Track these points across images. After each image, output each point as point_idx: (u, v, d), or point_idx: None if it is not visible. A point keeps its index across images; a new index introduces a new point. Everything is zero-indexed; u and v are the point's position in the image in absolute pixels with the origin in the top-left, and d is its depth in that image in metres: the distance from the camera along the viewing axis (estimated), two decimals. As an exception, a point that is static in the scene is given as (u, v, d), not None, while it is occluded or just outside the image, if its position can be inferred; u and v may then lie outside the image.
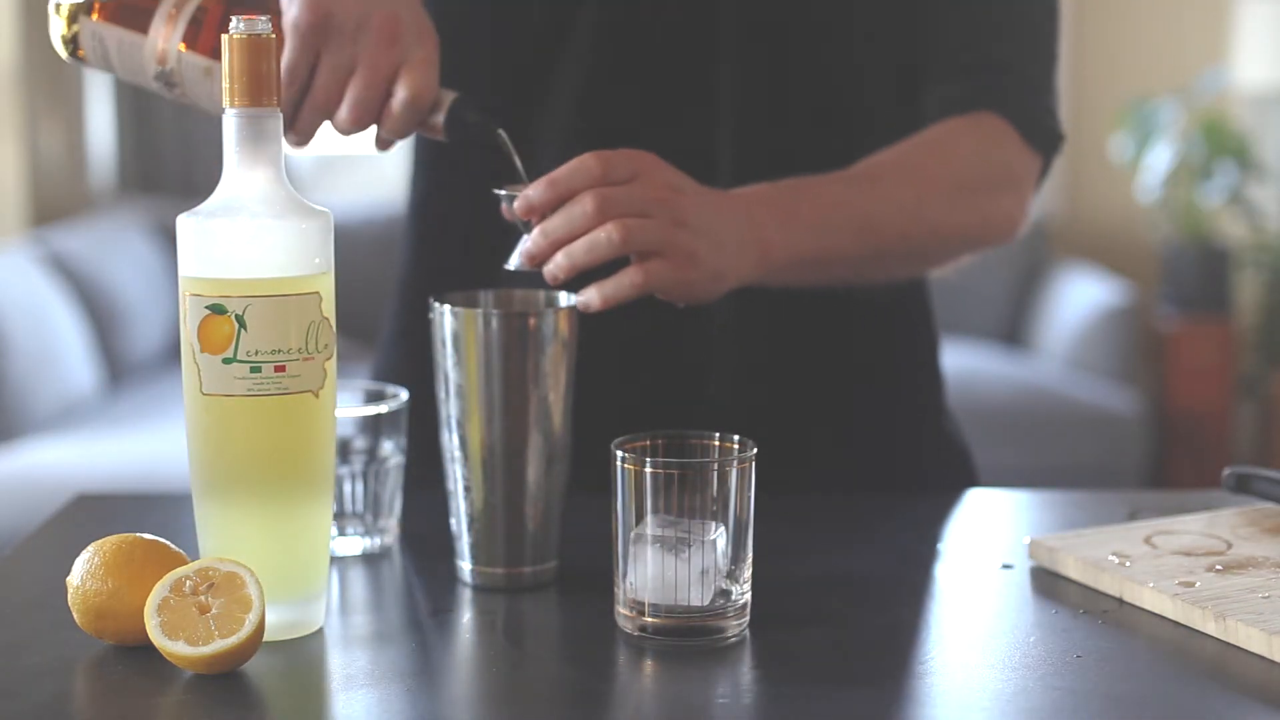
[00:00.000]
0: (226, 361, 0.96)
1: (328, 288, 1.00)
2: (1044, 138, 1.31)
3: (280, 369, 0.97)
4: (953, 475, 1.41)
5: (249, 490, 0.98)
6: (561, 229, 1.07)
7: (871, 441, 1.38)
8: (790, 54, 1.30)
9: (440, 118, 1.14)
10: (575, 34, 1.30)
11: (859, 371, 1.37)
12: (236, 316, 0.96)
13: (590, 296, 1.08)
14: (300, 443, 0.99)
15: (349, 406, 1.18)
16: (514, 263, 1.10)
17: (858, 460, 1.36)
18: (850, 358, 1.37)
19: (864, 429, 1.38)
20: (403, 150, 1.49)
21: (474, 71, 1.32)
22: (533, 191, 1.08)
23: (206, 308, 0.96)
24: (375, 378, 1.38)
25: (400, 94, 1.12)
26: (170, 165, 4.58)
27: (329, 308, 1.00)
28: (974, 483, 1.42)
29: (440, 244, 1.40)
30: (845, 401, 1.37)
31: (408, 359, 1.36)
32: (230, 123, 0.98)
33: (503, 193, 1.11)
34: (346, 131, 1.15)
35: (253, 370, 0.96)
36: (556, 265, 1.08)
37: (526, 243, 1.09)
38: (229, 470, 0.98)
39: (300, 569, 0.99)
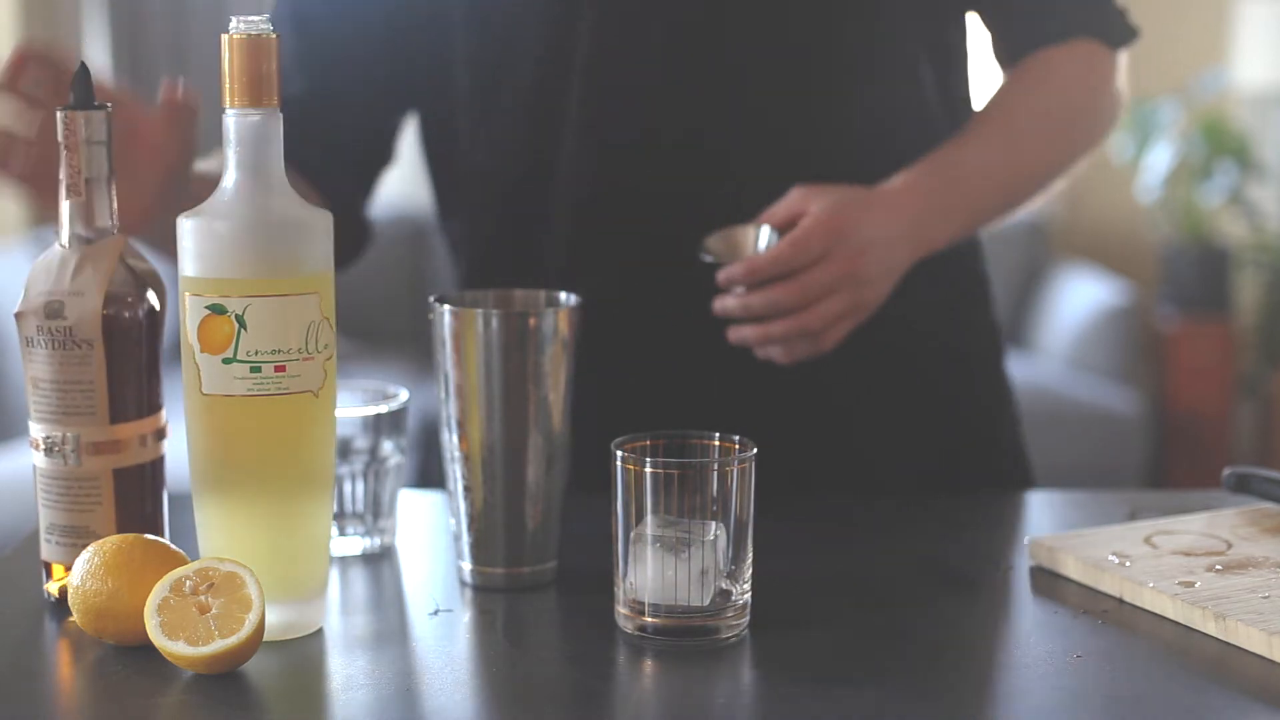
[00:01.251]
0: (226, 361, 0.96)
1: (328, 288, 1.00)
2: (1124, 35, 1.39)
3: (280, 369, 0.97)
4: (1005, 477, 1.43)
5: (249, 490, 0.98)
6: (763, 311, 1.20)
7: (866, 443, 1.38)
8: (801, 38, 1.30)
9: None
10: (581, 22, 1.30)
11: (861, 372, 1.37)
12: (236, 316, 0.96)
13: (777, 356, 1.23)
14: (300, 442, 0.99)
15: (349, 406, 1.18)
16: (715, 307, 1.22)
17: (829, 461, 1.36)
18: (860, 354, 1.37)
19: (867, 430, 1.38)
20: (404, 155, 1.49)
21: (495, 49, 1.32)
22: (736, 273, 1.19)
23: (206, 308, 0.96)
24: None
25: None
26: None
27: (329, 308, 1.00)
28: (1029, 484, 1.44)
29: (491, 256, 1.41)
30: (851, 406, 1.37)
31: None
32: (229, 123, 0.98)
33: (708, 259, 1.22)
34: (750, 341, 1.24)
35: (253, 370, 0.96)
36: (753, 338, 1.22)
37: (730, 301, 1.21)
38: (229, 470, 0.98)
39: (300, 569, 1.00)
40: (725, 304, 1.21)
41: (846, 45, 1.31)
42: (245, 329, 0.96)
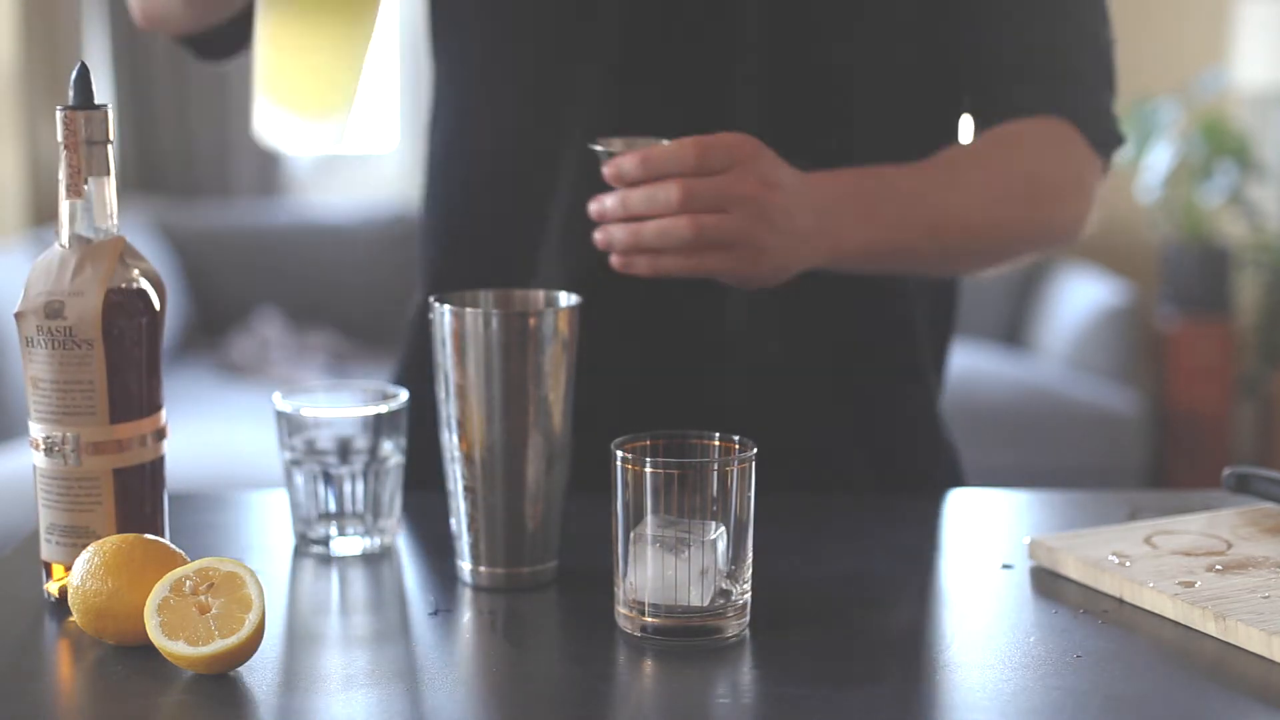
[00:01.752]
0: None
1: None
2: (1107, 141, 1.33)
3: None
4: (944, 474, 1.41)
5: None
6: (640, 207, 1.09)
7: (874, 442, 1.37)
8: (816, 51, 1.30)
9: None
10: (600, 21, 1.30)
11: (867, 373, 1.37)
12: None
13: (637, 262, 1.10)
14: None
15: (349, 406, 1.18)
16: (592, 207, 1.12)
17: (859, 461, 1.36)
18: (860, 359, 1.36)
19: (869, 430, 1.37)
20: (404, 154, 1.49)
21: (505, 39, 1.32)
22: (626, 163, 1.09)
23: None
24: (397, 379, 1.38)
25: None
26: (170, 165, 4.58)
27: None
28: (962, 483, 1.42)
29: (466, 251, 1.39)
30: (850, 402, 1.37)
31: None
32: None
33: (599, 148, 1.13)
34: (622, 244, 1.13)
35: None
36: (622, 240, 1.10)
37: (608, 199, 1.11)
38: None
39: (322, 84, 1.02)
40: (603, 202, 1.11)
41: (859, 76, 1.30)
42: None
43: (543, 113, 1.33)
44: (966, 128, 1.36)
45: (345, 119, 1.06)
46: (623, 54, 1.30)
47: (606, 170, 1.11)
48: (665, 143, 1.10)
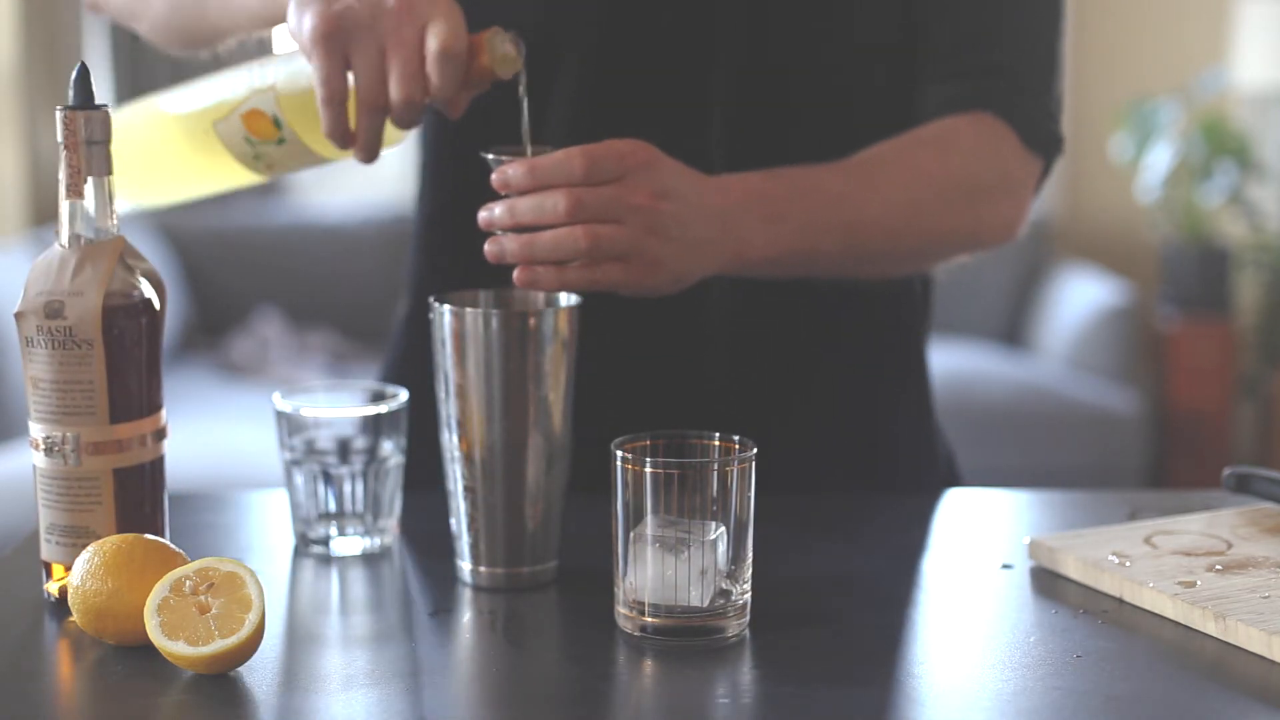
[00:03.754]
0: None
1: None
2: (1044, 142, 1.29)
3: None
4: (939, 474, 1.41)
5: None
6: (528, 216, 1.06)
7: (863, 438, 1.37)
8: (785, 57, 1.30)
9: (485, 58, 1.09)
10: (573, 38, 1.30)
11: (857, 369, 1.37)
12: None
13: (542, 277, 1.06)
14: None
15: (349, 406, 1.18)
16: (480, 215, 1.08)
17: (848, 457, 1.36)
18: (848, 355, 1.37)
19: (862, 426, 1.38)
20: (404, 153, 1.49)
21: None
22: (512, 171, 1.07)
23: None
24: (384, 379, 1.38)
25: (431, 46, 1.06)
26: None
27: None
28: (958, 482, 1.42)
29: (453, 256, 1.39)
30: (847, 398, 1.37)
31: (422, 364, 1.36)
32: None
33: (490, 156, 1.10)
34: (405, 118, 1.10)
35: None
36: (514, 252, 1.06)
37: (496, 207, 1.07)
38: None
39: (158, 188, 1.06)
40: (491, 210, 1.07)
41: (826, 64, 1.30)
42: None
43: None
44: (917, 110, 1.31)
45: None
46: (600, 51, 1.30)
47: (494, 178, 1.07)
48: (555, 151, 1.08)
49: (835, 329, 1.36)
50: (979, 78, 1.28)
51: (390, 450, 1.17)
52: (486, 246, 1.07)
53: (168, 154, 1.20)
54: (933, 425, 1.44)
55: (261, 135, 1.14)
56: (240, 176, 1.18)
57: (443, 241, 1.38)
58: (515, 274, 1.07)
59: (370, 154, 1.14)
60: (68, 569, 1.01)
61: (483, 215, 1.08)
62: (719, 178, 1.15)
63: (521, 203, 1.06)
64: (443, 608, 1.06)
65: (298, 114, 1.13)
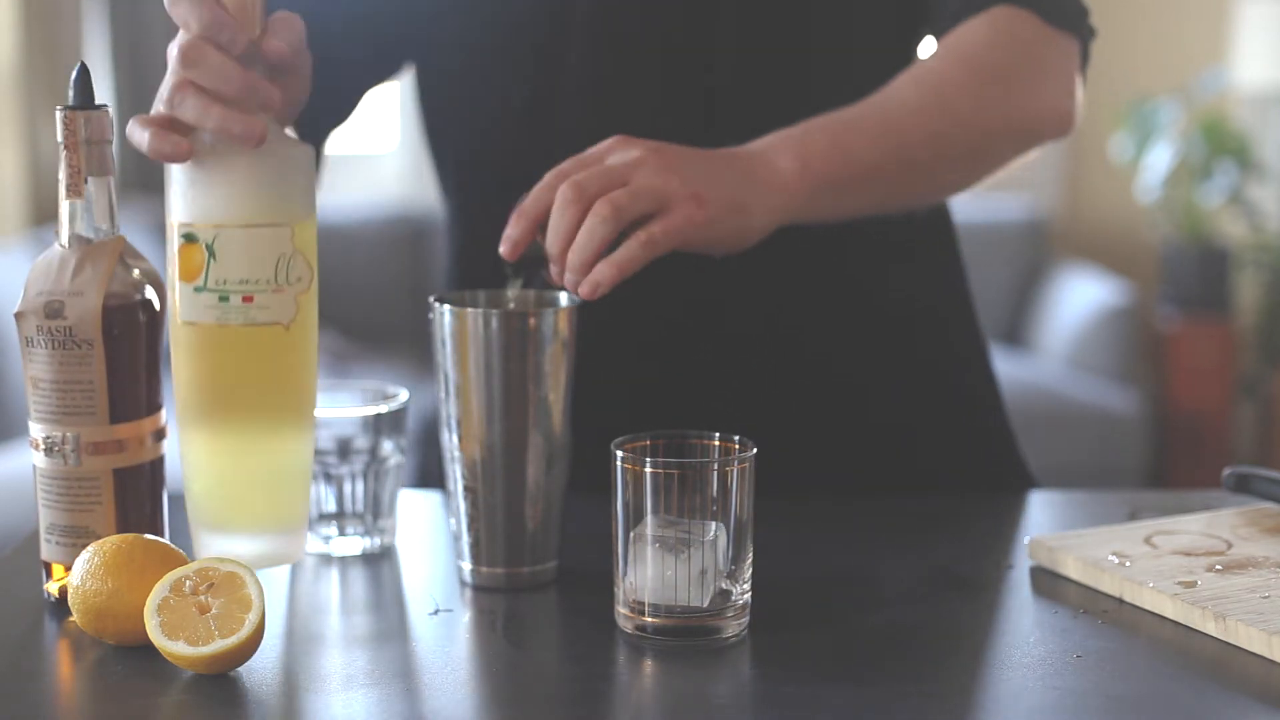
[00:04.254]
0: (198, 290, 1.00)
1: (304, 222, 1.00)
2: (1068, 17, 1.26)
3: (248, 299, 0.99)
4: (995, 470, 1.41)
5: (221, 420, 1.00)
6: (534, 209, 1.05)
7: (863, 441, 1.37)
8: (788, 56, 1.30)
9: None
10: (575, 29, 1.30)
11: (875, 375, 1.37)
12: (207, 245, 0.98)
13: (599, 274, 1.03)
14: (272, 374, 1.00)
15: (349, 406, 1.18)
16: (502, 249, 1.08)
17: (848, 458, 1.36)
18: (853, 357, 1.36)
19: (867, 429, 1.38)
20: (404, 154, 1.49)
21: (480, 70, 1.32)
22: (511, 229, 1.06)
23: (181, 235, 0.99)
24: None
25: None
26: (170, 165, 4.57)
27: (306, 242, 1.00)
28: (1023, 476, 1.42)
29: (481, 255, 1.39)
30: (849, 400, 1.37)
31: None
32: None
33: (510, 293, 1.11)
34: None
35: (221, 299, 0.99)
36: (571, 273, 1.04)
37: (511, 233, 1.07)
38: (203, 399, 1.00)
39: (276, 500, 1.01)
40: (511, 240, 1.06)
41: (827, 35, 1.30)
42: (214, 258, 0.98)
43: (535, 112, 1.33)
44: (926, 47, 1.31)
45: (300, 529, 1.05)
46: (606, 41, 1.30)
47: (501, 250, 1.07)
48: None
49: (839, 331, 1.36)
50: None
51: (390, 450, 1.17)
52: (548, 278, 1.06)
53: None
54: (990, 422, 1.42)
55: None
56: None
57: (470, 240, 1.39)
58: (580, 291, 1.04)
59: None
60: (68, 569, 1.01)
61: (504, 249, 1.07)
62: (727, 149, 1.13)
63: (526, 203, 1.06)
64: (443, 608, 1.06)
65: None
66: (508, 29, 1.32)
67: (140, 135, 1.01)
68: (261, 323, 0.99)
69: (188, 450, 1.01)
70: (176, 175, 1.00)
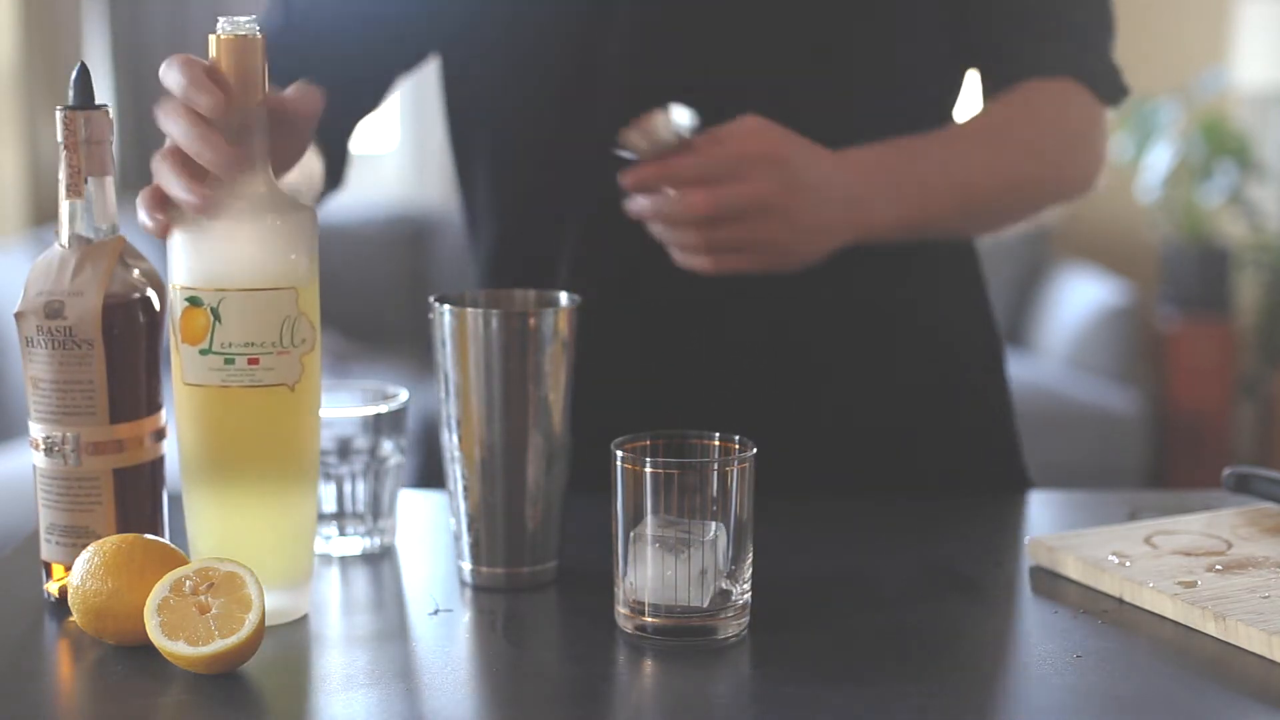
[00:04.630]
0: (203, 353, 0.99)
1: (307, 284, 1.00)
2: (1113, 94, 1.36)
3: (254, 361, 0.98)
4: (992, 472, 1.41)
5: (229, 480, 1.00)
6: (676, 215, 1.13)
7: (861, 443, 1.37)
8: (839, 46, 1.31)
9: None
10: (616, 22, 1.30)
11: (879, 379, 1.37)
12: (212, 309, 0.98)
13: (701, 263, 1.15)
14: (277, 435, 1.00)
15: (349, 406, 1.18)
16: (632, 209, 1.15)
17: (846, 460, 1.36)
18: (853, 360, 1.36)
19: (864, 431, 1.38)
20: (403, 155, 1.49)
21: (521, 39, 1.33)
22: (651, 172, 1.12)
23: (186, 299, 0.98)
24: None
25: None
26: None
27: (309, 304, 1.00)
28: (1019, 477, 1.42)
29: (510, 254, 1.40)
30: (849, 401, 1.37)
31: None
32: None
33: (627, 154, 1.14)
34: None
35: (226, 362, 0.98)
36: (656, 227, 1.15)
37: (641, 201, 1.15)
38: (208, 460, 1.00)
39: (282, 558, 1.01)
40: (638, 206, 1.15)
41: (869, 46, 1.32)
42: (220, 321, 0.97)
43: (575, 100, 1.33)
44: (974, 87, 1.39)
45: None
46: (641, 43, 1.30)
47: (629, 180, 1.14)
48: (682, 128, 1.13)
49: (839, 333, 1.35)
50: (1052, 41, 1.34)
51: (390, 450, 1.17)
52: (634, 205, 1.15)
53: None
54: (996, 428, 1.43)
55: None
56: None
57: (500, 239, 1.39)
58: (685, 259, 1.16)
59: None
60: (68, 569, 1.01)
61: (632, 209, 1.16)
62: (840, 155, 1.20)
63: (670, 207, 1.14)
64: (443, 608, 1.06)
65: None
66: (550, 13, 1.32)
67: (139, 209, 1.02)
68: (267, 384, 0.99)
69: (193, 509, 1.01)
70: (179, 238, 0.99)
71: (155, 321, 1.03)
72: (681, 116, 1.13)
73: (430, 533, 1.23)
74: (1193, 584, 1.03)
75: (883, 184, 1.23)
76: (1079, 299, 4.35)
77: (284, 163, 1.11)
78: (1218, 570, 1.05)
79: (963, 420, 1.40)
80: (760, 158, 1.14)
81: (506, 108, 1.36)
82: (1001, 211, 1.35)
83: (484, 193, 1.40)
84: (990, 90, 1.35)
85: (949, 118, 1.37)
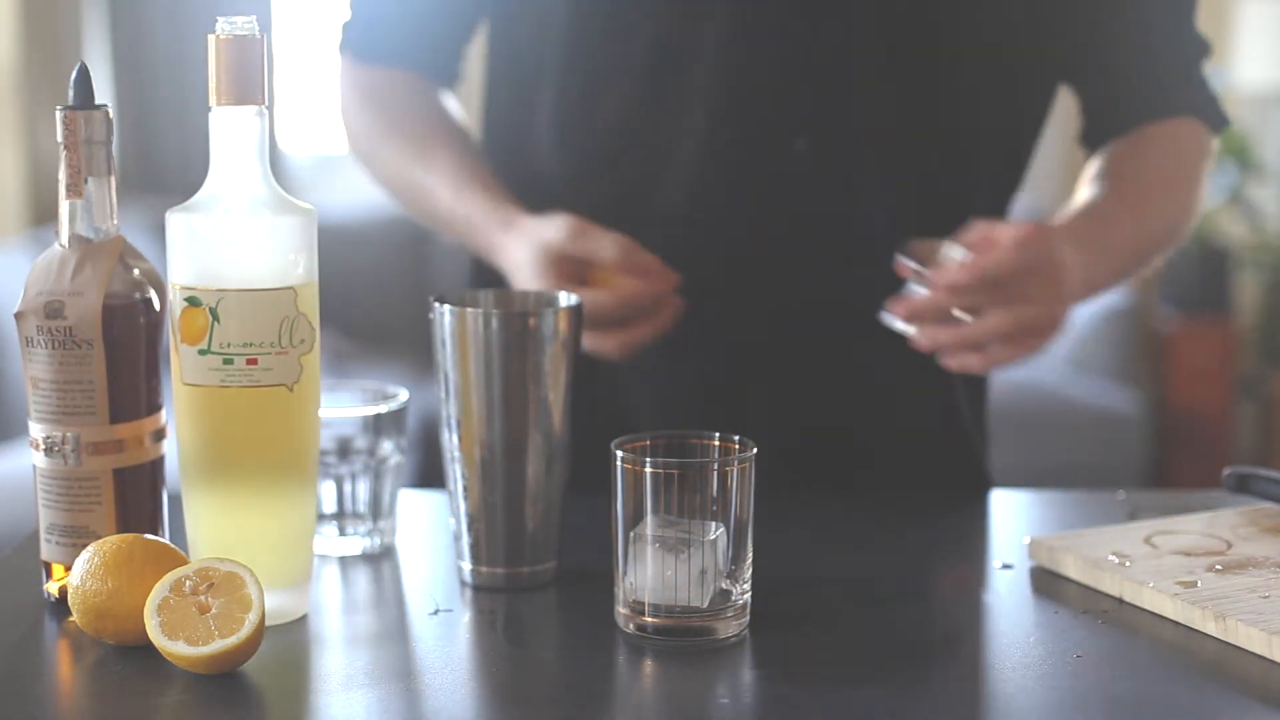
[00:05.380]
0: (202, 353, 0.99)
1: (306, 284, 1.00)
2: (1221, 122, 1.41)
3: (252, 362, 0.98)
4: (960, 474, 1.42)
5: (228, 479, 1.00)
6: (948, 307, 1.17)
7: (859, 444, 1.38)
8: (925, 73, 1.32)
9: None
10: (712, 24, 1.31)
11: (861, 375, 1.37)
12: (210, 309, 0.98)
13: (973, 363, 1.19)
14: (276, 435, 1.00)
15: (349, 406, 1.18)
16: (897, 324, 1.19)
17: (844, 460, 1.37)
18: (851, 361, 1.37)
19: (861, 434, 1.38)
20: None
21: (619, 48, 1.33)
22: (959, 277, 1.16)
23: (185, 299, 0.99)
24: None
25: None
26: (169, 165, 4.58)
27: (308, 304, 1.00)
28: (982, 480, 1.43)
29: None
30: (847, 403, 1.37)
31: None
32: (214, 121, 0.99)
33: (911, 264, 1.19)
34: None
35: (225, 362, 0.98)
36: (949, 343, 1.18)
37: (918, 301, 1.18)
38: (208, 460, 1.00)
39: (281, 558, 1.01)
40: (910, 306, 1.18)
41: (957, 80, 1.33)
42: (218, 321, 0.98)
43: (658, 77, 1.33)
44: (1095, 128, 1.41)
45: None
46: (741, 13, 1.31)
47: (900, 313, 1.18)
48: (950, 251, 1.19)
49: (838, 335, 1.35)
50: (1175, 85, 1.38)
51: (390, 450, 1.17)
52: (922, 339, 1.18)
53: None
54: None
55: None
56: None
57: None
58: (947, 359, 1.20)
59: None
60: (68, 569, 1.01)
61: (901, 310, 1.19)
62: (1067, 226, 1.28)
63: (946, 299, 1.17)
64: (443, 608, 1.06)
65: None
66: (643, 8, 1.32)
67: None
68: (266, 385, 0.99)
69: (193, 509, 1.01)
70: (178, 239, 0.99)
71: (155, 321, 1.03)
72: (954, 252, 1.19)
73: (430, 533, 1.23)
74: (1193, 584, 1.03)
75: (1096, 252, 1.28)
76: (1079, 299, 4.35)
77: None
78: (1218, 570, 1.05)
79: (920, 421, 1.40)
80: (1036, 245, 1.18)
81: (590, 73, 1.35)
82: (1158, 255, 1.40)
83: (559, 167, 1.38)
84: (1106, 133, 1.38)
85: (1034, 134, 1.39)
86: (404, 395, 1.19)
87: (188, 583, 0.93)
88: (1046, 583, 1.09)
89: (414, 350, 4.34)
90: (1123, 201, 1.33)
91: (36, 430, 1.02)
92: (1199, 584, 1.03)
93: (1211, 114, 1.39)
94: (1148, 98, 1.38)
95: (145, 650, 0.94)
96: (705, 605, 0.97)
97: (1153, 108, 1.37)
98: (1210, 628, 0.98)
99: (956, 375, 1.41)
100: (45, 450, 1.02)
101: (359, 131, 1.45)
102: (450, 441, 1.08)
